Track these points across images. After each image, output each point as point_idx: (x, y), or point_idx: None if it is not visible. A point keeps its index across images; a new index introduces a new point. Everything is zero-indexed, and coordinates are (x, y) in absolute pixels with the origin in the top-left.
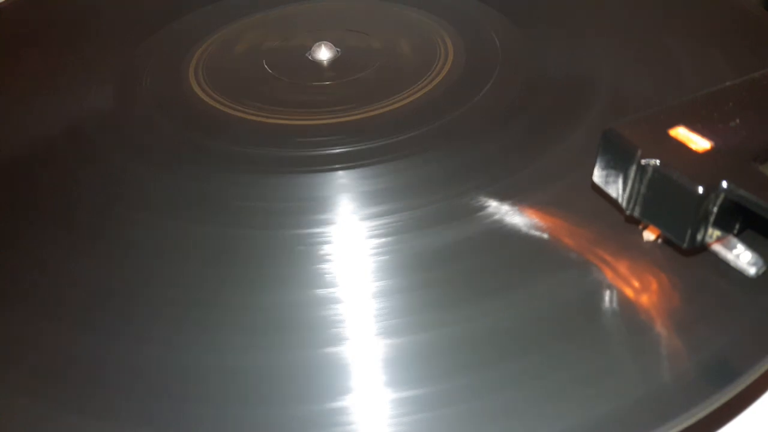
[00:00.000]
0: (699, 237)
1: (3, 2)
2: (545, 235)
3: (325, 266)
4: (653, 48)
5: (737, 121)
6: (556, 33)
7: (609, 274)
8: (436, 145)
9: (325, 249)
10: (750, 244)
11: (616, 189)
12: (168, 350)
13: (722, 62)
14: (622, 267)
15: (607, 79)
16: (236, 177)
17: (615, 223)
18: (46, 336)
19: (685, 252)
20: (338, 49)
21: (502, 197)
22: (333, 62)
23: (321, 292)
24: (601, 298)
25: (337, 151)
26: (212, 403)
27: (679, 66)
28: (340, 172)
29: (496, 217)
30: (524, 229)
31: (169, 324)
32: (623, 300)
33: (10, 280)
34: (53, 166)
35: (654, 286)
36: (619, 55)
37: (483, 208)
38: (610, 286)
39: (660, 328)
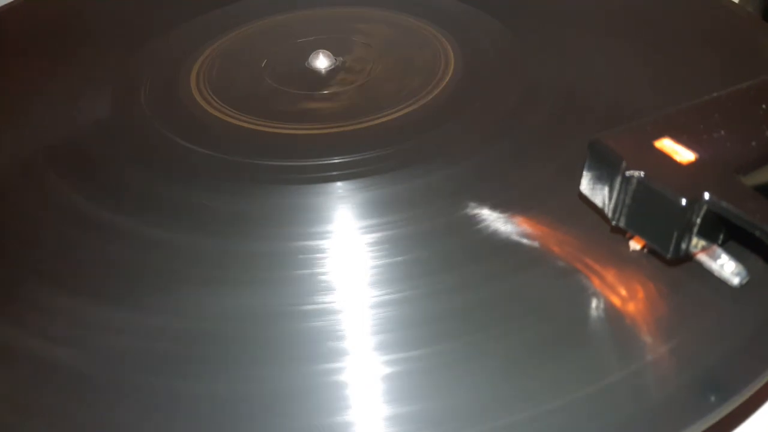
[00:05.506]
0: (683, 247)
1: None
2: (536, 244)
3: (323, 277)
4: (649, 57)
5: (722, 132)
6: (553, 41)
7: (596, 283)
8: (432, 156)
9: (322, 260)
10: (734, 255)
11: (602, 199)
12: (161, 364)
13: (716, 72)
14: (609, 276)
15: (600, 87)
16: (233, 186)
17: (602, 233)
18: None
19: (669, 262)
20: (337, 58)
21: (495, 208)
22: (331, 71)
23: (318, 303)
24: (588, 307)
25: (336, 161)
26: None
27: (674, 75)
28: (338, 183)
29: (489, 227)
30: (515, 238)
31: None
32: (610, 309)
33: (6, 287)
34: (49, 172)
35: (641, 294)
36: (614, 65)
37: (477, 218)
38: (597, 295)
39: (647, 338)
